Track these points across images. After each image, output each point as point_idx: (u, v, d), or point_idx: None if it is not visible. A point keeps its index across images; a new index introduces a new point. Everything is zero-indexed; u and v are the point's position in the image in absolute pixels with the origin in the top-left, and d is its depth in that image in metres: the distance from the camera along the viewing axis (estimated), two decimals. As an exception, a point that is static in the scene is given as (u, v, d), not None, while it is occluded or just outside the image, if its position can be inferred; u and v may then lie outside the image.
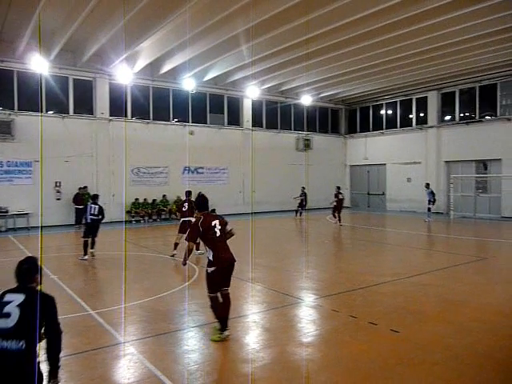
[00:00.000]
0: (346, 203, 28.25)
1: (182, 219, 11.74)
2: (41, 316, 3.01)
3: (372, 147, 27.51)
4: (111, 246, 13.67)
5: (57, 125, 18.74)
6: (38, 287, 3.27)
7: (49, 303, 3.15)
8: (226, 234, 5.84)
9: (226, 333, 5.54)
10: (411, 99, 25.47)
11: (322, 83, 23.20)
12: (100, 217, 11.33)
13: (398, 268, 10.08)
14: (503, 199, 20.88)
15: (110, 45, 16.55)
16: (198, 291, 8.11)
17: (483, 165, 22.11)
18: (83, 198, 18.33)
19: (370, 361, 4.88)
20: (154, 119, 21.44)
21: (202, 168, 22.89)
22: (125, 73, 18.82)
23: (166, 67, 19.68)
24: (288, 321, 6.38)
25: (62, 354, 3.28)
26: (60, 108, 19.03)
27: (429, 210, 19.94)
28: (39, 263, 3.35)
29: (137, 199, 20.43)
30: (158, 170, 21.47)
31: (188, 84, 20.88)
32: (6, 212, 17.30)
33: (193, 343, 5.53)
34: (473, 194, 22.32)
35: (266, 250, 12.84)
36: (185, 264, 5.98)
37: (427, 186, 20.57)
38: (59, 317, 3.24)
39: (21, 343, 2.90)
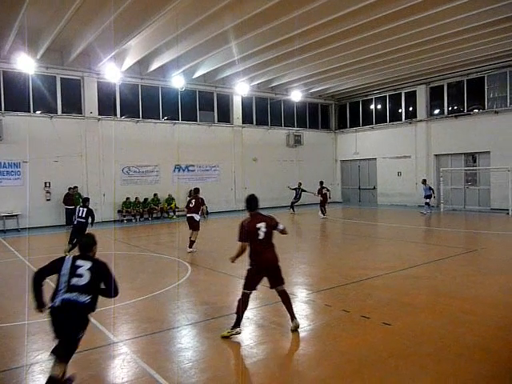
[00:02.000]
0: (338, 198, 28.56)
1: (188, 215, 11.82)
2: (102, 278, 4.15)
3: (362, 142, 27.61)
4: (102, 246, 13.53)
5: (45, 125, 18.55)
6: (95, 256, 4.33)
7: (106, 268, 4.21)
8: (281, 232, 5.88)
9: (237, 329, 5.51)
10: (400, 93, 25.60)
11: (312, 79, 23.22)
12: (86, 220, 11.16)
13: (390, 261, 10.15)
14: (492, 191, 21.10)
15: (98, 43, 16.38)
16: (190, 289, 8.11)
17: (472, 158, 22.32)
18: (73, 199, 18.21)
19: (362, 354, 4.92)
20: (143, 118, 21.30)
21: (192, 166, 22.81)
22: (113, 71, 18.64)
23: (155, 65, 19.57)
24: (281, 316, 6.39)
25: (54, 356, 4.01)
26: (48, 108, 18.82)
27: (427, 204, 20.25)
28: (96, 238, 4.42)
29: (128, 198, 20.31)
30: (148, 168, 21.36)
31: (177, 82, 20.76)
32: (-5, 214, 17.14)
33: (186, 341, 5.53)
34: (462, 187, 22.53)
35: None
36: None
37: (424, 182, 20.84)
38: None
39: (87, 297, 3.97)
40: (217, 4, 12.80)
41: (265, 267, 5.64)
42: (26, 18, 13.47)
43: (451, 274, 8.71)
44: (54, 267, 4.06)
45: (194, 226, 11.72)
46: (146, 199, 20.80)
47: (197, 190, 12.24)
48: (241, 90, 23.15)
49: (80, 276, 3.98)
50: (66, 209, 18.19)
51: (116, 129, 20.01)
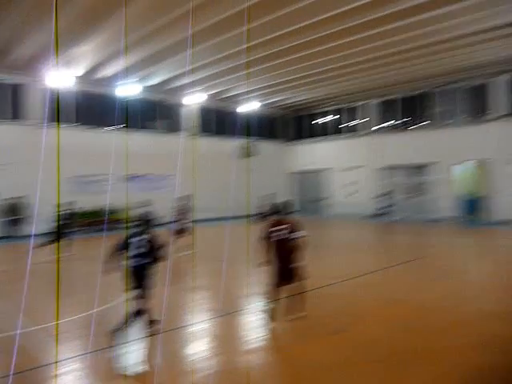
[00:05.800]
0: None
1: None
2: (155, 248, 5.71)
3: (317, 153, 28.08)
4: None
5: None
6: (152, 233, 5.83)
7: (159, 243, 5.76)
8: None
9: None
10: (355, 106, 26.35)
11: (266, 90, 23.43)
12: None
13: (340, 270, 10.29)
14: (439, 201, 22.01)
15: (45, 49, 15.69)
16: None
17: (420, 169, 23.27)
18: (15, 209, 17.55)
19: (313, 363, 4.93)
20: (92, 125, 20.66)
21: (144, 176, 22.33)
22: (62, 77, 17.96)
23: (106, 72, 19.06)
24: (235, 328, 6.32)
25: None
26: (-10, 114, 17.89)
27: (386, 214, 21.67)
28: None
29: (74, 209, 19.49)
30: (97, 178, 20.67)
31: (130, 90, 20.31)
32: None
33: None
34: (411, 197, 23.38)
35: (209, 256, 12.71)
36: None
37: (383, 195, 22.46)
38: None
39: (146, 260, 5.60)
40: (169, 14, 12.71)
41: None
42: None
43: (399, 281, 8.99)
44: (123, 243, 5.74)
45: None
46: (94, 209, 20.06)
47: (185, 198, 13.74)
48: (195, 99, 23.02)
49: (139, 247, 5.67)
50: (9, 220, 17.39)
51: (63, 137, 19.20)
